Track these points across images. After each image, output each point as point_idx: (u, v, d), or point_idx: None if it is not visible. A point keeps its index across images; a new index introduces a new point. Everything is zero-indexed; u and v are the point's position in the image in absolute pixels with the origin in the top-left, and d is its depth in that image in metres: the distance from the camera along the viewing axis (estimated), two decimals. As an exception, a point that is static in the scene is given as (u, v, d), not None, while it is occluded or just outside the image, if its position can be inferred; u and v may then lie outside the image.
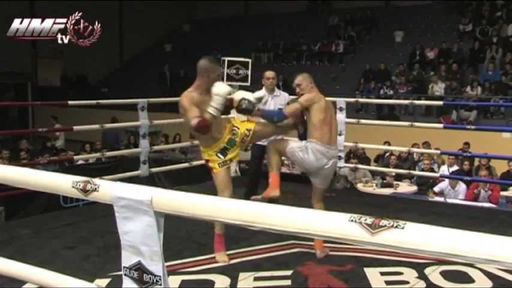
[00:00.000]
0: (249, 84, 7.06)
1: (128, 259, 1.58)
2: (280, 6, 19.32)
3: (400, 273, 3.59)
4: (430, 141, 9.30)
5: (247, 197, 5.21)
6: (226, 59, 6.92)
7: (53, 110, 12.07)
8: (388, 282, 3.46)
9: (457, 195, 7.25)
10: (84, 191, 1.66)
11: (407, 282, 3.45)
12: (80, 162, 6.92)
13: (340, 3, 18.86)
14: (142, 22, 20.41)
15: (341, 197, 6.26)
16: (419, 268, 3.61)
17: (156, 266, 1.53)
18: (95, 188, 1.64)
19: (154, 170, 6.10)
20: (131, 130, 11.31)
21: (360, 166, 7.64)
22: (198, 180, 6.61)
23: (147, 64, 19.19)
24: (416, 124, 6.53)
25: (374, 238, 1.05)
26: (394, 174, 7.85)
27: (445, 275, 3.52)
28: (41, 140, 12.03)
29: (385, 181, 7.58)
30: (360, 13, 17.95)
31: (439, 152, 7.49)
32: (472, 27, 15.14)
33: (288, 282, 3.46)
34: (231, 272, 3.58)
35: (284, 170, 8.98)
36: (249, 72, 7.03)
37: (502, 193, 7.43)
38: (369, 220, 1.07)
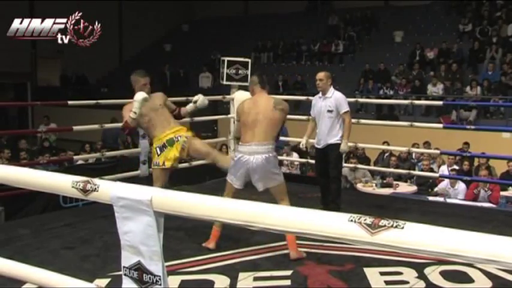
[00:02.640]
0: (248, 84, 7.04)
1: (127, 259, 1.58)
2: (280, 6, 19.32)
3: (400, 273, 3.59)
4: (430, 141, 9.30)
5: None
6: (226, 59, 6.92)
7: (52, 110, 12.07)
8: (387, 282, 3.47)
9: (457, 194, 7.25)
10: (84, 191, 1.66)
11: (407, 282, 3.46)
12: (80, 162, 6.92)
13: (339, 3, 18.87)
14: (142, 22, 20.41)
15: (341, 197, 6.25)
16: (419, 268, 3.61)
17: (155, 265, 1.53)
18: (95, 188, 1.65)
19: (154, 170, 6.10)
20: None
21: (360, 166, 7.64)
22: (198, 180, 6.62)
23: (146, 64, 19.10)
24: (416, 124, 6.54)
25: (374, 238, 1.05)
26: (391, 174, 7.85)
27: (445, 275, 3.52)
28: (37, 139, 12.03)
29: (384, 181, 7.58)
30: (359, 13, 17.96)
31: (438, 152, 7.49)
32: (471, 27, 15.15)
33: (288, 282, 3.46)
34: (231, 272, 3.58)
35: (284, 169, 8.99)
36: (249, 72, 7.02)
37: (502, 193, 7.43)
38: (369, 220, 1.07)
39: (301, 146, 5.78)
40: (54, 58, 18.33)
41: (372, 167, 8.60)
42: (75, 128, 5.74)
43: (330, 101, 5.15)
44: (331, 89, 5.22)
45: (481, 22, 15.06)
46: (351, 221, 1.07)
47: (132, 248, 1.56)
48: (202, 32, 20.20)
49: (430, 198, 7.18)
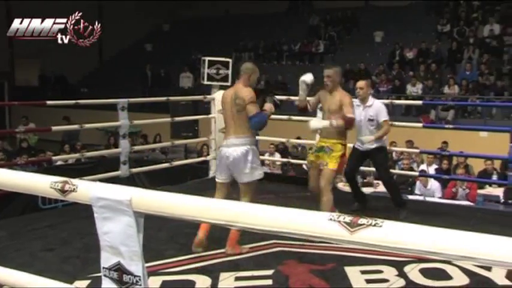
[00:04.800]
0: (229, 83, 7.04)
1: (107, 260, 1.57)
2: (261, 6, 19.34)
3: (380, 272, 3.62)
4: (412, 140, 9.40)
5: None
6: (207, 58, 6.90)
7: (32, 110, 11.92)
8: (368, 281, 3.49)
9: (432, 193, 7.35)
10: (63, 191, 1.64)
11: (387, 281, 3.48)
12: (59, 163, 6.85)
13: (320, 3, 18.96)
14: (122, 22, 20.25)
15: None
16: (399, 266, 3.64)
17: (136, 266, 1.52)
18: (73, 189, 1.63)
19: (134, 170, 6.07)
20: (111, 130, 11.22)
21: (341, 165, 7.65)
22: (179, 180, 6.59)
23: (127, 64, 19.07)
24: (396, 123, 6.58)
25: (353, 236, 1.05)
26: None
27: (424, 272, 3.56)
28: (14, 140, 11.88)
29: (365, 180, 7.63)
30: (340, 13, 18.07)
31: (418, 151, 7.57)
32: (449, 28, 15.36)
33: (269, 281, 3.47)
34: (212, 272, 3.57)
35: (266, 169, 9.01)
36: (230, 72, 7.02)
37: (479, 191, 7.55)
38: (348, 219, 1.07)
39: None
40: (33, 58, 18.09)
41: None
42: (54, 128, 5.68)
43: (370, 110, 5.12)
44: (371, 98, 5.20)
45: (459, 23, 15.27)
46: (331, 219, 1.08)
47: (112, 248, 1.55)
48: (183, 32, 20.13)
49: (410, 197, 7.25)
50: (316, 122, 4.74)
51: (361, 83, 5.20)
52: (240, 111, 4.02)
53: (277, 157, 9.26)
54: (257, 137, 5.83)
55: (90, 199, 1.59)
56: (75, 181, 1.66)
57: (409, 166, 8.48)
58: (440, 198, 7.30)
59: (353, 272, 3.60)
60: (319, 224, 1.08)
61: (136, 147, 7.46)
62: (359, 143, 5.24)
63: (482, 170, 8.49)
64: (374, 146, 5.15)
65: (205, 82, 6.92)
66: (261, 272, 3.62)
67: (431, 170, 8.47)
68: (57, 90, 18.10)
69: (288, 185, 6.59)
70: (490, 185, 8.01)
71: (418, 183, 7.71)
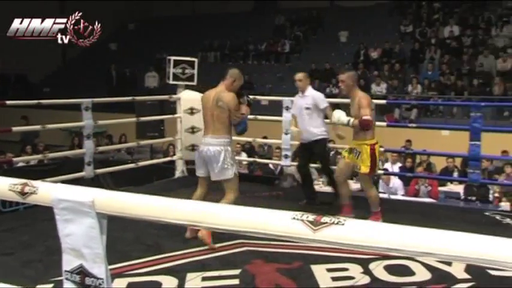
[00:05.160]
0: (195, 83, 7.02)
1: (69, 263, 1.54)
2: (226, 6, 19.31)
3: (346, 269, 3.66)
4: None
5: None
6: (172, 58, 6.87)
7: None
8: (334, 279, 3.53)
9: (394, 191, 7.48)
10: (22, 193, 1.60)
11: (353, 278, 3.53)
12: (21, 164, 6.69)
13: (285, 3, 19.04)
14: (86, 20, 19.88)
15: (288, 195, 6.32)
16: (364, 263, 3.69)
17: (98, 268, 1.50)
18: (34, 191, 1.59)
19: (99, 171, 5.98)
20: (75, 131, 11.02)
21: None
22: (145, 180, 6.53)
23: (91, 63, 18.75)
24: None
25: (316, 235, 1.06)
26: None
27: (389, 269, 3.62)
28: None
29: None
30: (305, 13, 18.19)
31: (382, 149, 7.68)
32: (412, 29, 15.65)
33: (236, 281, 3.47)
34: (179, 273, 3.55)
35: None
36: (195, 72, 6.99)
37: (441, 188, 7.72)
38: (311, 217, 1.08)
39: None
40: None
41: (318, 165, 8.72)
42: (14, 129, 5.54)
43: (307, 99, 5.51)
44: (310, 89, 5.62)
45: (421, 24, 15.59)
46: (294, 218, 1.08)
47: (74, 251, 1.52)
48: (148, 31, 19.93)
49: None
50: (340, 115, 4.93)
51: (299, 76, 5.59)
52: (220, 114, 4.20)
53: (243, 157, 9.26)
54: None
55: (51, 201, 1.56)
56: (36, 183, 1.63)
57: (373, 164, 8.59)
58: (403, 195, 7.44)
59: (319, 271, 3.63)
60: (283, 223, 1.09)
61: (101, 148, 7.36)
62: (302, 136, 5.54)
63: (444, 167, 8.69)
64: (316, 138, 5.45)
65: (171, 82, 6.88)
66: (228, 271, 3.62)
67: (396, 168, 8.62)
68: (17, 90, 17.65)
69: (254, 185, 6.60)
70: (451, 182, 8.21)
71: (381, 181, 7.83)
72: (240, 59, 17.47)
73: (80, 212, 1.48)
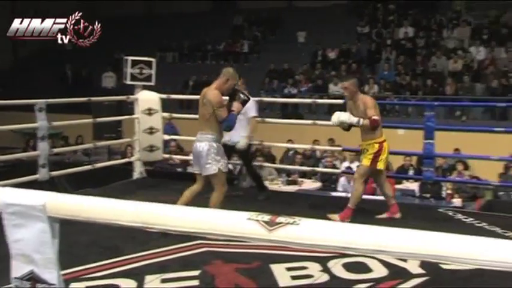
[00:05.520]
0: (153, 83, 6.95)
1: (18, 269, 1.49)
2: (185, 5, 19.17)
3: (305, 268, 3.69)
4: (333, 138, 9.65)
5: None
6: (130, 58, 6.77)
7: None
8: (293, 277, 3.55)
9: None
10: (-32, 198, 1.54)
11: (312, 276, 3.56)
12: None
13: (244, 3, 19.07)
14: (39, 17, 19.37)
15: (247, 195, 6.33)
16: (323, 261, 3.73)
17: (50, 274, 1.46)
18: (-20, 195, 1.54)
19: (55, 173, 5.83)
20: (29, 132, 10.74)
21: (266, 164, 7.77)
22: (102, 182, 6.41)
23: (45, 63, 18.27)
24: (319, 122, 6.76)
25: (271, 235, 1.07)
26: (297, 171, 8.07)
27: (347, 266, 3.67)
28: None
29: (290, 178, 7.76)
30: (264, 14, 18.26)
31: (340, 148, 7.79)
32: (368, 30, 15.93)
33: (196, 282, 3.45)
34: (137, 275, 3.51)
35: (180, 170, 8.94)
36: (153, 72, 6.92)
37: (397, 186, 7.88)
38: (266, 218, 1.09)
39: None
40: None
41: (277, 165, 8.79)
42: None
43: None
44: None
45: (377, 25, 15.88)
46: (249, 219, 1.09)
47: (24, 256, 1.48)
48: (105, 31, 19.49)
49: (333, 193, 7.46)
50: (342, 115, 5.03)
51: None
52: (205, 111, 4.37)
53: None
54: (185, 137, 5.92)
55: (-1, 205, 1.51)
56: (-17, 187, 1.57)
57: (332, 164, 8.71)
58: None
59: (279, 270, 3.65)
60: (239, 224, 1.09)
61: (57, 150, 7.19)
62: (227, 138, 5.56)
63: (400, 166, 8.87)
64: (237, 139, 5.62)
65: (128, 82, 6.79)
66: (187, 273, 3.59)
67: (354, 167, 8.74)
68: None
69: (208, 185, 6.57)
70: (407, 180, 8.39)
71: (341, 179, 7.93)
72: (198, 59, 17.40)
73: (30, 217, 1.44)
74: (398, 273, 3.56)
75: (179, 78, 15.50)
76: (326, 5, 17.67)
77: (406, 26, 15.21)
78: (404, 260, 3.67)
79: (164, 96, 6.95)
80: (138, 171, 6.92)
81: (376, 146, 4.91)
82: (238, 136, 5.60)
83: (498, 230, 4.81)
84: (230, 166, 8.71)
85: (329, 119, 6.13)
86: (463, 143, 8.86)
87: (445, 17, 15.25)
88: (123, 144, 9.59)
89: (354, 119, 4.91)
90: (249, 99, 4.73)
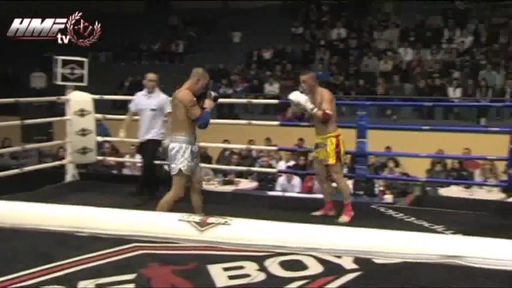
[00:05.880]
0: (85, 84, 6.79)
1: None
2: (118, 4, 18.76)
3: (242, 267, 3.71)
4: (270, 138, 9.75)
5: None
6: (60, 58, 6.58)
7: None
8: (230, 277, 3.57)
9: (294, 188, 7.70)
10: None
11: (249, 276, 3.59)
12: None
13: (179, 3, 18.88)
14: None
15: (184, 196, 6.28)
16: (260, 260, 3.77)
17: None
18: None
19: (-22, 178, 5.57)
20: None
21: (202, 165, 7.72)
22: (33, 186, 6.20)
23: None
24: (254, 122, 6.82)
25: (203, 235, 1.07)
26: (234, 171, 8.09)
27: (283, 264, 3.72)
28: None
29: (226, 178, 7.77)
30: (199, 14, 18.17)
31: (276, 148, 7.88)
32: (302, 30, 16.19)
33: (132, 286, 3.40)
34: (70, 281, 3.42)
35: (126, 171, 8.78)
36: (86, 72, 6.76)
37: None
38: (198, 218, 1.09)
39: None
40: None
41: (214, 165, 8.77)
42: None
43: (155, 101, 5.75)
44: (158, 90, 5.86)
45: (310, 26, 16.17)
46: (181, 220, 1.09)
47: None
48: (33, 28, 18.82)
49: (270, 193, 7.54)
50: (301, 96, 5.05)
51: (153, 76, 5.83)
52: (175, 112, 4.46)
53: (138, 158, 9.05)
54: (121, 138, 5.82)
55: None
56: None
57: (268, 163, 8.79)
58: (299, 192, 7.68)
59: (216, 270, 3.66)
60: (169, 225, 1.09)
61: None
62: (140, 134, 5.78)
63: (335, 164, 9.05)
64: (149, 137, 5.75)
65: (59, 82, 6.60)
66: (122, 276, 3.53)
67: (290, 166, 8.87)
68: None
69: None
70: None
71: (280, 179, 8.01)
72: (133, 59, 17.09)
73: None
74: (333, 269, 3.65)
75: (113, 79, 15.17)
76: (260, 5, 17.79)
77: (338, 27, 15.57)
78: (339, 257, 3.76)
79: (97, 96, 6.79)
80: (70, 174, 6.74)
81: (334, 140, 5.07)
82: (149, 133, 5.70)
83: (425, 223, 5.03)
84: (166, 167, 8.65)
85: (264, 119, 6.23)
86: (394, 141, 9.18)
87: (376, 19, 15.74)
88: (55, 147, 9.28)
89: (309, 105, 5.02)
90: (219, 97, 4.91)
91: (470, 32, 14.11)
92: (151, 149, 5.86)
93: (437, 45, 14.10)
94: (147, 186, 5.84)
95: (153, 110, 5.70)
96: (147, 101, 5.76)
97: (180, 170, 4.39)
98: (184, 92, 4.43)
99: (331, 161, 5.07)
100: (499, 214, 5.56)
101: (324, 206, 5.33)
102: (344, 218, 5.07)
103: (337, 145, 5.08)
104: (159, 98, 5.78)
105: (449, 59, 13.68)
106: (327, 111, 4.98)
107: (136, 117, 5.94)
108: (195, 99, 4.44)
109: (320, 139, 5.15)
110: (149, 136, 5.75)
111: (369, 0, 16.34)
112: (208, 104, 4.48)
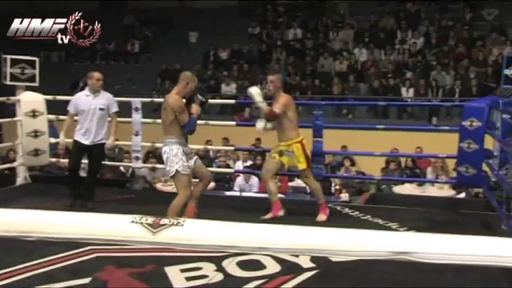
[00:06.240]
0: (37, 84, 6.63)
1: None
2: (70, 3, 18.34)
3: (200, 268, 3.70)
4: (227, 138, 9.73)
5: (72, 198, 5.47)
6: (9, 57, 6.40)
7: None
8: (188, 279, 3.54)
9: (252, 188, 7.72)
10: None
11: (207, 276, 3.57)
12: None
13: (134, 3, 18.61)
14: None
15: (140, 197, 6.24)
16: (217, 261, 3.76)
17: None
18: None
19: None
20: None
21: (159, 166, 7.66)
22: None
23: None
24: (211, 122, 6.80)
25: (155, 237, 1.06)
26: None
27: (241, 265, 3.72)
28: None
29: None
30: (154, 13, 17.97)
31: (233, 148, 7.88)
32: (259, 30, 16.24)
33: (86, 290, 3.33)
34: (21, 289, 3.31)
35: (82, 173, 8.59)
36: (37, 72, 6.59)
37: (290, 184, 8.13)
38: (150, 220, 1.08)
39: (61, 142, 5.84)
40: None
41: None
42: None
43: (101, 100, 5.56)
44: (102, 90, 5.66)
45: (267, 26, 16.25)
46: (133, 222, 1.07)
47: None
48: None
49: (227, 193, 7.53)
50: (253, 90, 5.31)
51: (98, 75, 5.63)
52: (164, 116, 4.51)
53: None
54: (61, 141, 5.62)
55: None
56: None
57: (225, 163, 8.78)
58: (256, 192, 7.70)
59: (173, 271, 3.63)
60: (122, 227, 1.07)
61: None
62: (86, 137, 5.49)
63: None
64: (101, 141, 5.55)
65: (8, 82, 6.41)
66: (77, 281, 3.45)
67: (247, 166, 8.88)
68: None
69: (105, 188, 6.39)
70: (299, 177, 8.66)
71: (238, 179, 8.00)
72: (87, 59, 16.74)
73: None
74: (290, 268, 3.68)
75: (67, 79, 14.84)
76: (217, 5, 17.75)
77: (295, 27, 15.70)
78: (296, 256, 3.79)
79: (50, 97, 6.63)
80: (22, 177, 6.56)
81: (299, 145, 5.10)
82: (98, 135, 5.51)
83: (380, 221, 5.14)
84: (122, 169, 8.52)
85: (222, 119, 6.20)
86: (350, 140, 9.32)
87: (331, 19, 15.94)
88: (4, 149, 9.00)
89: (259, 99, 5.17)
90: (207, 100, 4.93)
91: (421, 34, 14.48)
92: (102, 154, 5.75)
93: (391, 46, 14.40)
94: (91, 191, 5.61)
95: (101, 109, 5.50)
96: (94, 101, 5.50)
97: (177, 170, 4.47)
98: (174, 98, 4.50)
99: (303, 166, 5.11)
100: (449, 210, 5.74)
101: (272, 207, 5.20)
102: (322, 217, 5.13)
103: (304, 150, 5.12)
104: (106, 97, 5.60)
105: (402, 60, 14.00)
106: (275, 109, 5.03)
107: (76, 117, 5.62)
108: (184, 104, 4.52)
109: (284, 146, 5.14)
110: (98, 138, 5.52)
111: (324, 1, 16.53)
112: (195, 109, 4.57)
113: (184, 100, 4.59)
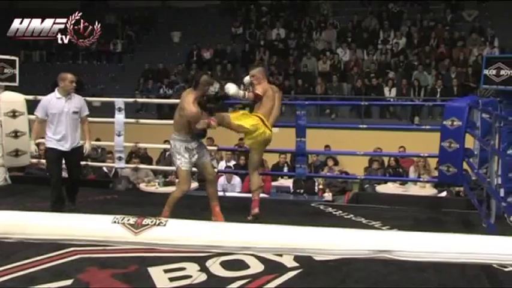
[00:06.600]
0: (17, 84, 6.56)
1: None
2: (51, 2, 18.16)
3: (183, 269, 3.69)
4: (212, 137, 9.69)
5: (54, 208, 5.08)
6: (-13, 56, 6.33)
7: None
8: (171, 279, 3.53)
9: (234, 188, 7.72)
10: None
11: (190, 277, 3.57)
12: None
13: (116, 2, 18.51)
14: None
15: (123, 198, 6.20)
16: (201, 261, 3.76)
17: None
18: None
19: None
20: None
21: (142, 166, 7.64)
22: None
23: None
24: (195, 122, 6.75)
25: (137, 237, 1.06)
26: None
27: (225, 264, 3.72)
28: None
29: (167, 180, 7.68)
30: (137, 13, 17.88)
31: (216, 148, 7.87)
32: (242, 30, 16.24)
33: (68, 292, 3.30)
34: (1, 292, 3.27)
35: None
36: (17, 72, 6.53)
37: (273, 183, 8.14)
38: (132, 220, 1.07)
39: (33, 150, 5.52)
40: None
41: (154, 166, 8.67)
42: None
43: (75, 103, 5.23)
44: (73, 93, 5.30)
45: (250, 26, 16.25)
46: (115, 222, 1.07)
47: None
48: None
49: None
50: (231, 89, 5.25)
51: (72, 76, 5.27)
52: (177, 116, 4.72)
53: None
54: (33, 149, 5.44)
55: None
56: None
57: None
58: (239, 192, 7.70)
59: (156, 272, 3.62)
60: (103, 227, 1.06)
61: None
62: (63, 142, 5.14)
63: (275, 163, 9.16)
64: (79, 144, 5.29)
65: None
66: (59, 283, 3.43)
67: (230, 165, 8.88)
68: None
69: (88, 189, 6.34)
70: (282, 177, 8.70)
71: (221, 179, 8.00)
72: (69, 58, 16.59)
73: None
74: (274, 267, 3.68)
75: (48, 78, 14.68)
76: (200, 5, 17.71)
77: (278, 27, 15.73)
78: (280, 255, 3.80)
79: (31, 97, 6.55)
80: (2, 178, 6.48)
81: (258, 116, 5.21)
82: (75, 139, 5.20)
83: (363, 220, 5.17)
84: (105, 169, 8.46)
85: (205, 119, 6.08)
86: (333, 140, 9.38)
87: (314, 19, 16.00)
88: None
89: (241, 92, 5.24)
90: (219, 92, 5.10)
91: (403, 34, 14.60)
92: (81, 158, 5.57)
93: (373, 46, 14.50)
94: (72, 195, 5.38)
95: (75, 112, 5.17)
96: (66, 104, 5.12)
97: (178, 166, 4.71)
98: (192, 111, 4.59)
99: (249, 127, 5.19)
100: (431, 209, 5.80)
101: (253, 205, 5.16)
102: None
103: (260, 120, 5.21)
104: (78, 99, 5.28)
105: (385, 60, 14.11)
106: (257, 92, 5.13)
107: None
108: (200, 114, 4.67)
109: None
110: (76, 142, 5.22)
111: (307, 1, 16.58)
112: (207, 123, 4.75)
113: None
